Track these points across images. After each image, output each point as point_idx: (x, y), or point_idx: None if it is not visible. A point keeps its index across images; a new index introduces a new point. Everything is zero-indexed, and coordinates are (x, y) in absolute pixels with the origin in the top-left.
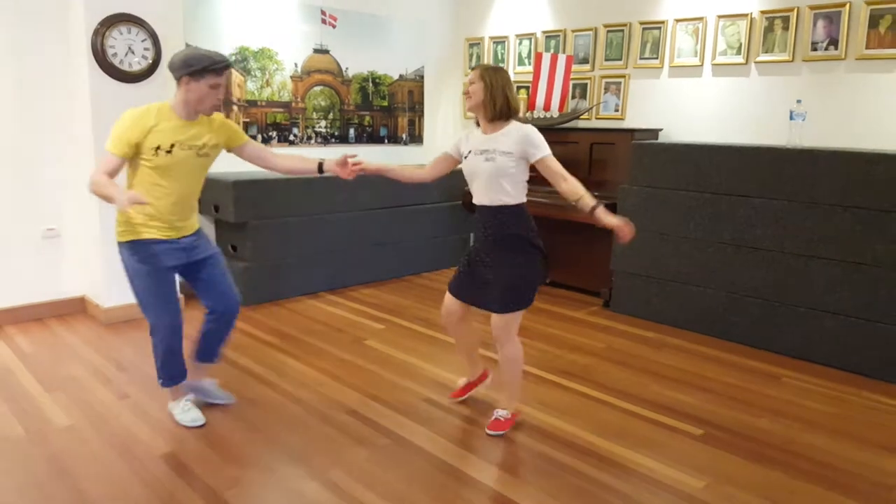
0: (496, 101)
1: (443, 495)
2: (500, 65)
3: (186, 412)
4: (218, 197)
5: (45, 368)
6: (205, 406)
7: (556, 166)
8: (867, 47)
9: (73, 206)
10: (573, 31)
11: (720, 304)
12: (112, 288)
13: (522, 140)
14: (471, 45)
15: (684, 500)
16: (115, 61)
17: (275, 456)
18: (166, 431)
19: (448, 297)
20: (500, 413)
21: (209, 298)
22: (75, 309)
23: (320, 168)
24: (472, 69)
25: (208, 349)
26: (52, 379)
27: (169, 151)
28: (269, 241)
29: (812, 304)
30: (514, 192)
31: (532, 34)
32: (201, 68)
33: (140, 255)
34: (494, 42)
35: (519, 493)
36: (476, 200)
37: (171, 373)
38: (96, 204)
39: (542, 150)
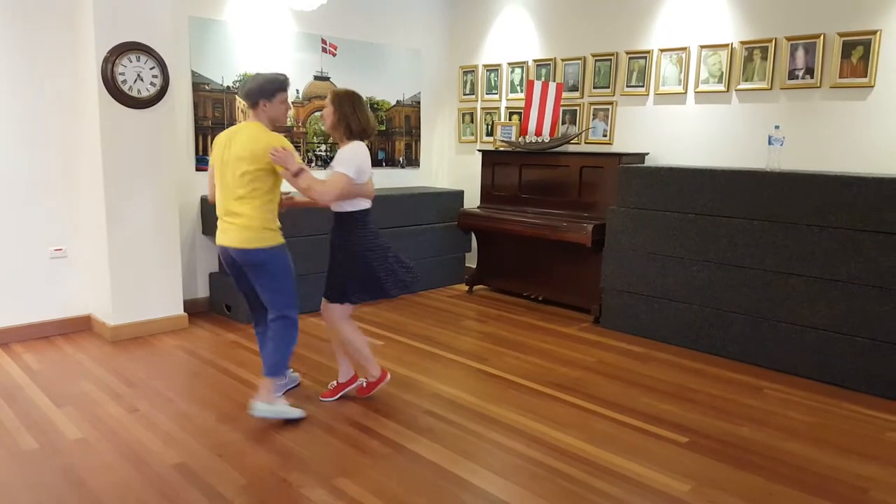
0: (349, 123)
1: (444, 499)
2: (354, 90)
3: (290, 407)
4: None
5: (54, 384)
6: (216, 419)
7: (333, 177)
8: (840, 76)
9: (80, 227)
10: (563, 59)
11: (705, 320)
12: (119, 306)
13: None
14: (465, 73)
15: (670, 503)
16: (125, 88)
17: (282, 465)
18: (177, 443)
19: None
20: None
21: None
22: (81, 327)
23: None
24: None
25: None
26: (62, 394)
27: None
28: None
29: (792, 320)
30: (344, 202)
31: (524, 62)
32: (274, 89)
33: (288, 255)
34: (488, 70)
35: (516, 498)
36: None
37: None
38: (104, 225)
39: (338, 164)
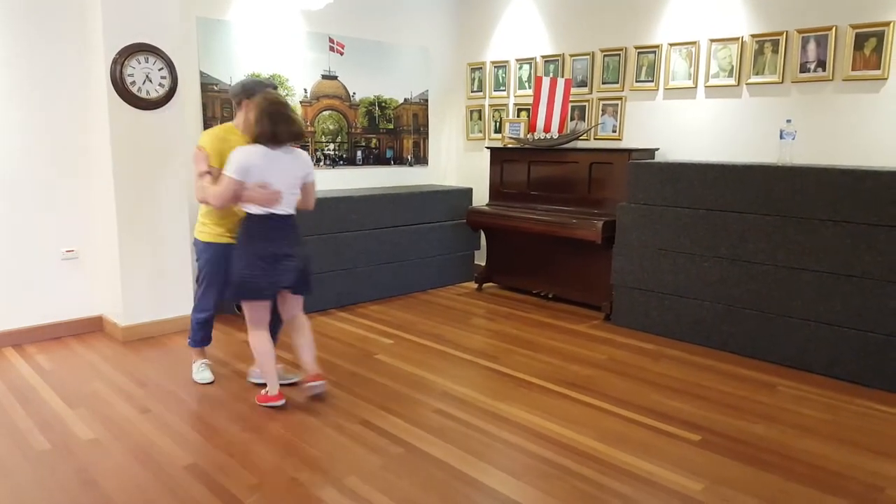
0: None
1: (455, 499)
2: (272, 96)
3: (200, 372)
4: None
5: (66, 385)
6: (227, 419)
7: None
8: (853, 69)
9: (91, 228)
10: (571, 55)
11: (716, 316)
12: (130, 307)
13: None
14: (473, 70)
15: (683, 502)
16: (134, 89)
17: (293, 464)
18: (188, 443)
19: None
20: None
21: None
22: (93, 328)
23: None
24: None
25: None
26: (74, 395)
27: None
28: None
29: (805, 315)
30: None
31: (532, 59)
32: (254, 91)
33: (209, 253)
34: (495, 66)
35: (527, 497)
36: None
37: (194, 337)
38: (115, 225)
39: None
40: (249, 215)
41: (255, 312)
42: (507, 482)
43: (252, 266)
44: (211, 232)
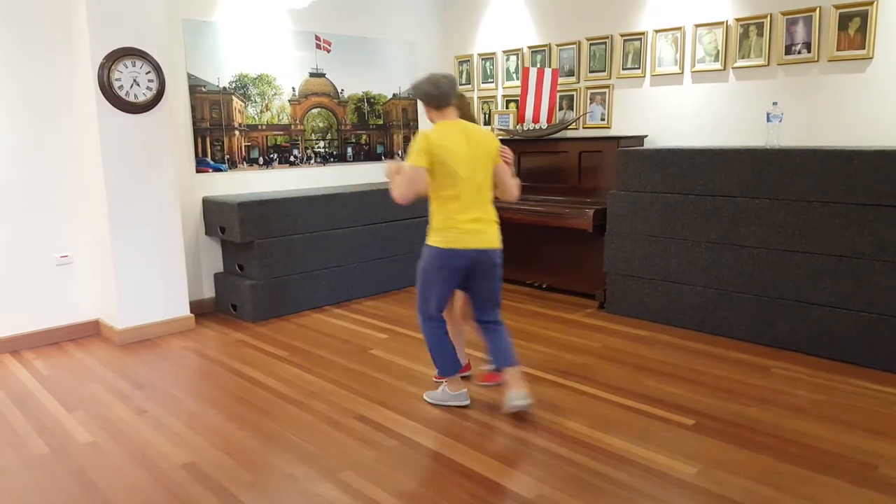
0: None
1: (449, 489)
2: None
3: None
4: (223, 219)
5: (64, 389)
6: (224, 418)
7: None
8: (838, 49)
9: (84, 232)
10: (558, 45)
11: (709, 301)
12: (126, 310)
13: None
14: (460, 63)
15: (678, 486)
16: (122, 93)
17: (288, 461)
18: (185, 443)
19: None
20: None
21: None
22: (90, 332)
23: None
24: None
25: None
26: (72, 399)
27: None
28: (274, 259)
29: (797, 297)
30: None
31: (518, 50)
32: None
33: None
34: (483, 59)
35: (523, 486)
36: None
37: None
38: (107, 230)
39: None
40: None
41: None
42: (502, 472)
43: None
44: None
